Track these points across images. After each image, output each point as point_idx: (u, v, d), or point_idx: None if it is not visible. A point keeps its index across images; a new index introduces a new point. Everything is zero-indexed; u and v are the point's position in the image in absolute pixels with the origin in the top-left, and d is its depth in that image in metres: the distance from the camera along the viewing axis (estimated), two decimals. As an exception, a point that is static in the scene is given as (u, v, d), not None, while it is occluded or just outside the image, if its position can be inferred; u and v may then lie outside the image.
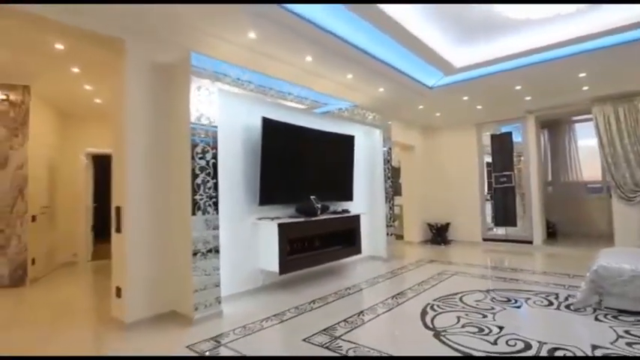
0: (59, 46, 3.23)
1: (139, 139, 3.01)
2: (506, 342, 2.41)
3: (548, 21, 3.56)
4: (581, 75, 4.53)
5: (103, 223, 6.40)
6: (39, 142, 4.53)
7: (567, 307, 3.07)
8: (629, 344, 2.32)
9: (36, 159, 4.45)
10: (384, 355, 2.31)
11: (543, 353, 2.23)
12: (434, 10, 3.29)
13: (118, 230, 3.01)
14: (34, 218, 4.40)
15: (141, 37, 3.02)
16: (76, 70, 3.79)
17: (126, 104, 2.96)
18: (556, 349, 2.29)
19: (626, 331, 2.52)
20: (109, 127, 5.80)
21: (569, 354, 2.21)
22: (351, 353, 2.34)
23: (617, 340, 2.39)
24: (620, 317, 2.78)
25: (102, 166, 6.14)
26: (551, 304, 3.19)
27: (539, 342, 2.39)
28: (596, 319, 2.78)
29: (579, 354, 2.20)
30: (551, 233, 6.91)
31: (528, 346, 2.34)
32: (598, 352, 2.21)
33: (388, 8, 3.09)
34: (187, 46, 3.23)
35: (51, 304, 3.65)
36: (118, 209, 3.02)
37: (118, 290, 2.97)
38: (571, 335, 2.54)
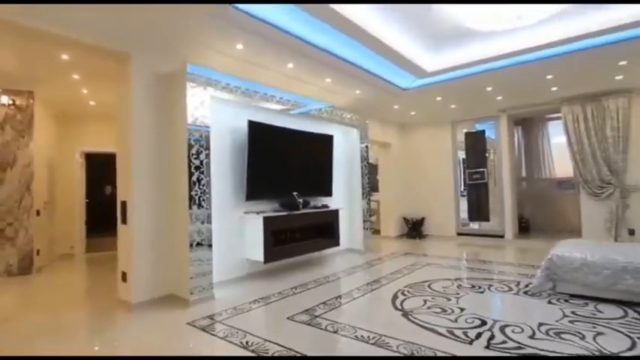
0: (64, 57, 3.49)
1: (142, 141, 3.33)
2: (465, 320, 2.68)
3: (512, 31, 3.82)
4: (549, 77, 4.83)
5: (95, 218, 6.57)
6: (40, 143, 4.85)
7: (525, 292, 3.37)
8: (571, 322, 2.62)
9: (38, 158, 4.77)
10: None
11: (496, 329, 2.50)
12: (404, 20, 3.53)
13: (124, 222, 3.32)
14: (38, 212, 4.73)
15: (144, 50, 3.37)
16: (76, 76, 4.05)
17: (131, 109, 3.29)
18: (507, 325, 2.56)
19: (573, 312, 2.82)
20: (112, 128, 6.15)
21: (517, 330, 2.48)
22: (329, 329, 2.61)
23: (562, 318, 2.69)
24: (570, 301, 3.08)
25: (93, 164, 6.32)
26: (511, 289, 3.49)
27: (493, 320, 2.67)
28: (549, 302, 3.08)
29: (527, 330, 2.48)
30: (524, 228, 7.29)
31: (484, 323, 2.62)
32: (543, 329, 2.49)
33: (361, 21, 3.32)
34: (185, 57, 3.57)
35: (61, 289, 4.06)
36: (123, 203, 3.33)
37: (124, 275, 3.31)
38: (523, 315, 2.82)
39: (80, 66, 3.78)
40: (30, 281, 4.31)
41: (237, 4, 2.77)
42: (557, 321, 2.63)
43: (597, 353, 2.13)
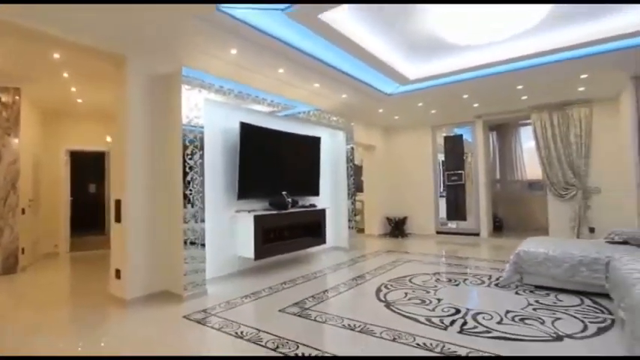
0: (56, 56, 3.50)
1: (137, 141, 3.41)
2: (442, 309, 2.95)
3: (486, 45, 4.15)
4: (519, 87, 5.24)
5: (80, 216, 6.55)
6: (26, 140, 4.81)
7: (496, 284, 3.69)
8: (534, 309, 2.94)
9: (23, 155, 4.73)
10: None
11: (468, 316, 2.78)
12: (388, 32, 3.78)
13: (118, 220, 3.39)
14: (23, 211, 4.69)
15: (140, 53, 3.45)
16: (66, 75, 4.06)
17: (126, 110, 3.37)
18: (478, 313, 2.85)
19: (536, 301, 3.15)
20: (99, 127, 6.10)
21: (487, 317, 2.77)
22: (319, 319, 2.81)
23: (527, 306, 3.00)
24: (535, 291, 3.42)
25: (78, 162, 6.31)
26: (483, 282, 3.81)
27: (467, 308, 2.96)
28: (517, 293, 3.40)
29: (495, 317, 2.77)
30: (498, 227, 7.75)
31: (458, 311, 2.89)
32: (509, 315, 2.79)
33: (349, 32, 3.56)
34: (181, 61, 3.67)
35: (51, 287, 4.08)
36: (118, 202, 3.40)
37: (118, 272, 3.40)
38: (493, 304, 3.12)
39: (71, 65, 3.81)
40: (16, 280, 4.30)
41: (221, 5, 2.84)
42: (522, 309, 2.94)
43: (554, 336, 2.44)
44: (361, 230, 7.80)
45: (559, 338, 2.39)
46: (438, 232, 7.53)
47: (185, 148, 3.41)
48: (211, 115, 3.93)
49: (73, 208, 6.17)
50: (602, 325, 2.59)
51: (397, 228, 7.53)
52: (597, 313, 2.83)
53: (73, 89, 4.64)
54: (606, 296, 3.04)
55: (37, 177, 5.44)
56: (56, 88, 4.60)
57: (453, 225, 7.55)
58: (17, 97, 4.55)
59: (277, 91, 4.77)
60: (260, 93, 4.43)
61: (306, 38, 3.54)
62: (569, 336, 2.42)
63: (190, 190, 3.44)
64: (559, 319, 2.72)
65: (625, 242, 3.56)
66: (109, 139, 6.17)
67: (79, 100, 5.14)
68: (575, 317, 2.75)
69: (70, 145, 5.99)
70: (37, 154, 5.42)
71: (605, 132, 5.61)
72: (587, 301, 3.10)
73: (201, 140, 3.57)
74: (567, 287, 3.36)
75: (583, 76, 4.72)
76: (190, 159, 3.45)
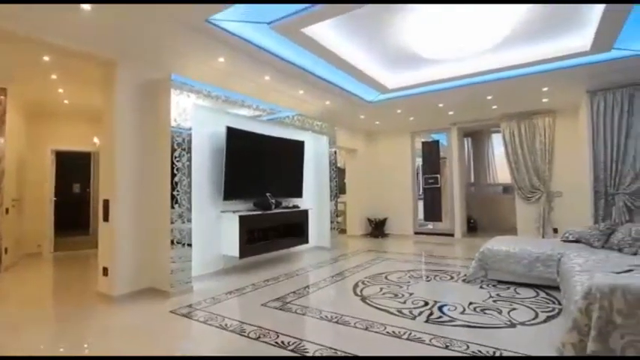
0: (46, 58, 3.57)
1: (126, 143, 3.55)
2: (412, 302, 3.23)
3: (459, 59, 4.49)
4: (489, 97, 5.63)
5: (64, 216, 6.52)
6: (11, 140, 4.81)
7: (463, 280, 4.01)
8: (494, 301, 3.25)
9: (8, 155, 4.73)
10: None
11: (435, 308, 3.06)
12: (368, 45, 4.04)
13: (106, 219, 3.50)
14: (7, 211, 4.68)
15: (130, 58, 3.58)
16: (54, 76, 4.11)
17: (116, 113, 3.50)
18: (444, 305, 3.14)
19: (497, 294, 3.47)
20: (85, 127, 6.13)
21: (452, 308, 3.06)
22: (299, 312, 3.03)
23: (488, 298, 3.32)
24: (497, 285, 3.74)
25: (63, 162, 6.30)
26: (452, 278, 4.12)
27: (434, 301, 3.25)
28: (481, 287, 3.72)
29: (459, 308, 3.06)
30: (472, 227, 8.18)
31: (427, 304, 3.17)
32: (471, 307, 3.09)
33: (331, 45, 3.80)
34: (170, 67, 3.83)
35: (37, 286, 4.15)
36: (106, 201, 3.51)
37: (105, 270, 3.51)
38: (458, 297, 3.42)
39: (61, 67, 3.87)
40: (0, 280, 4.30)
41: (210, 17, 2.98)
42: (483, 301, 3.25)
43: (508, 323, 2.74)
44: (343, 231, 8.07)
45: (512, 325, 2.70)
46: (416, 233, 7.88)
47: (173, 150, 3.56)
48: (199, 118, 4.08)
49: (58, 208, 6.14)
50: (551, 313, 2.92)
51: (377, 229, 7.84)
52: (549, 303, 3.17)
53: (61, 90, 4.68)
54: (558, 289, 3.39)
55: (22, 177, 5.43)
56: (43, 89, 4.63)
57: (430, 226, 7.93)
58: (3, 97, 4.55)
59: (263, 97, 4.97)
60: (246, 98, 4.63)
61: (291, 49, 3.76)
62: (521, 323, 2.73)
63: (178, 191, 3.59)
64: (515, 309, 3.03)
65: (577, 241, 3.95)
66: (96, 140, 6.19)
67: (66, 101, 5.17)
68: (529, 307, 3.08)
69: (56, 145, 5.99)
70: (22, 153, 5.41)
71: (566, 140, 6.09)
72: (542, 294, 3.44)
73: (189, 143, 3.72)
74: (525, 281, 3.70)
75: (545, 89, 5.15)
76: (178, 161, 3.60)
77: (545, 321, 2.78)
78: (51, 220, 5.94)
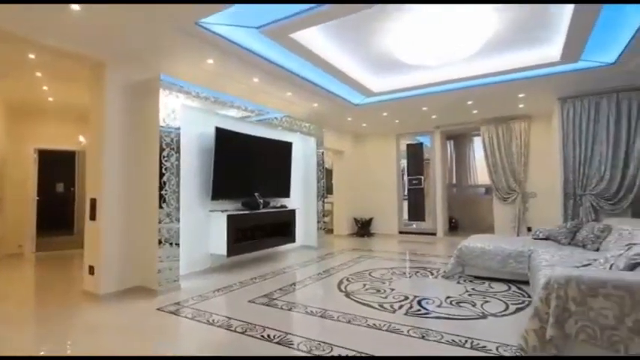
0: (31, 56, 3.56)
1: (114, 142, 3.59)
2: (393, 297, 3.41)
3: (441, 65, 4.70)
4: (469, 102, 5.89)
5: (46, 216, 6.40)
6: None
7: (442, 276, 4.22)
8: (469, 295, 3.46)
9: None
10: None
11: (414, 302, 3.24)
12: (354, 50, 4.20)
13: (93, 218, 3.53)
14: None
15: (119, 59, 3.61)
16: (39, 74, 4.09)
17: (104, 112, 3.54)
18: (423, 299, 3.33)
19: (472, 288, 3.68)
20: (70, 126, 6.05)
21: (430, 302, 3.25)
22: (284, 308, 3.15)
23: (464, 293, 3.53)
24: (473, 281, 3.97)
25: (46, 161, 6.20)
26: (432, 274, 4.33)
27: (414, 295, 3.43)
28: (458, 282, 3.94)
29: (436, 301, 3.25)
30: (453, 227, 8.48)
31: (407, 298, 3.35)
32: (448, 300, 3.29)
33: (319, 49, 3.94)
34: (159, 68, 3.86)
35: (21, 285, 4.18)
36: (93, 200, 3.54)
37: (91, 268, 3.54)
38: (436, 291, 3.63)
39: (46, 65, 3.86)
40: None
41: (200, 20, 3.05)
42: (459, 295, 3.46)
43: (480, 314, 2.94)
44: (330, 230, 8.23)
45: (484, 316, 2.90)
46: (400, 232, 8.11)
47: (162, 150, 3.61)
48: (188, 119, 4.14)
49: (40, 207, 6.07)
50: (521, 305, 3.15)
51: (363, 228, 8.03)
52: (519, 297, 3.40)
53: (45, 88, 4.64)
54: (529, 283, 3.63)
55: (3, 175, 5.36)
56: (27, 86, 4.58)
57: (414, 225, 8.18)
58: (-15, 94, 4.52)
59: (252, 98, 5.07)
60: (235, 99, 4.71)
61: (280, 52, 3.86)
62: (493, 314, 2.94)
63: (166, 190, 3.65)
64: (488, 302, 3.25)
65: (547, 238, 4.22)
66: (81, 139, 6.13)
67: (50, 99, 5.12)
68: (501, 300, 3.30)
69: (39, 143, 5.91)
70: (4, 152, 5.35)
71: (540, 144, 6.43)
72: (514, 288, 3.68)
73: (178, 143, 3.78)
74: (499, 277, 3.94)
75: (521, 95, 5.44)
76: (167, 161, 3.66)
77: (514, 312, 2.99)
78: (33, 220, 5.88)
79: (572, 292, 1.98)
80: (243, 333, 2.59)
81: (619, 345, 1.84)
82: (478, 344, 2.36)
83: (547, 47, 4.11)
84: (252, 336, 2.53)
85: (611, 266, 2.28)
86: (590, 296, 1.93)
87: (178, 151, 3.78)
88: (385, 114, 6.58)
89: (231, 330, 2.65)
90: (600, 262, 2.48)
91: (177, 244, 3.74)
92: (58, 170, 7.67)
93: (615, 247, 2.75)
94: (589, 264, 2.66)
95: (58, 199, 7.73)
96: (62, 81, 4.39)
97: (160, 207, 3.58)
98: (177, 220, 3.75)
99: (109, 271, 3.49)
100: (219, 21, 3.17)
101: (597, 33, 3.54)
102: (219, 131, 4.45)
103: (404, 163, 8.36)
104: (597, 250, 3.54)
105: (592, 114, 4.67)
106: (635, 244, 2.39)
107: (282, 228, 5.52)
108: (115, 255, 3.56)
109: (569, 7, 3.13)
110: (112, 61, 3.57)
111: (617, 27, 3.53)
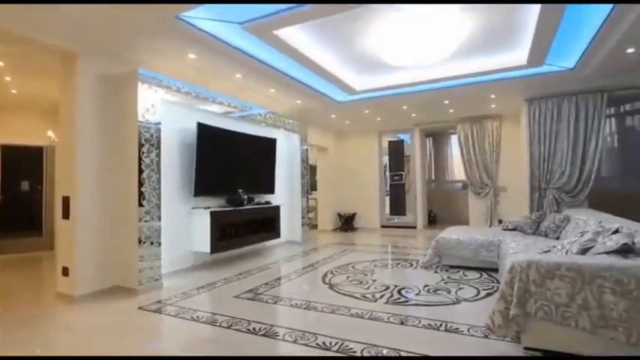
0: None
1: (88, 137, 3.43)
2: (375, 287, 3.60)
3: (419, 67, 4.92)
4: (446, 102, 6.18)
5: (10, 217, 6.10)
6: None
7: (421, 266, 4.47)
8: (445, 283, 3.71)
9: None
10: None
11: (395, 291, 3.45)
12: (337, 49, 4.34)
13: (66, 217, 3.37)
14: None
15: (94, 51, 3.43)
16: (0, 64, 3.84)
17: (76, 106, 3.36)
18: (402, 288, 3.55)
19: (448, 277, 3.94)
20: (36, 120, 5.69)
21: (409, 290, 3.47)
22: (270, 301, 3.25)
23: (440, 281, 3.77)
24: (449, 270, 4.23)
25: (9, 157, 5.86)
26: (412, 265, 4.57)
27: (395, 285, 3.64)
28: (435, 271, 4.19)
29: (415, 290, 3.48)
30: (432, 220, 8.84)
31: (388, 288, 3.56)
32: (426, 288, 3.51)
33: (302, 47, 4.02)
34: (138, 61, 3.74)
35: None
36: (66, 198, 3.39)
37: (65, 269, 3.38)
38: (415, 280, 3.85)
39: (9, 54, 3.61)
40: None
41: (181, 14, 2.96)
42: (436, 283, 3.70)
43: (455, 300, 3.18)
44: (315, 226, 8.39)
45: (458, 302, 3.14)
46: (382, 226, 8.39)
47: (141, 146, 3.49)
48: (168, 114, 4.01)
49: (4, 207, 5.72)
50: (490, 291, 3.41)
51: (347, 223, 8.24)
52: (490, 283, 3.68)
53: (8, 78, 4.33)
54: (498, 270, 3.93)
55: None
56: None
57: (396, 219, 8.48)
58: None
59: (235, 94, 5.06)
60: (218, 95, 4.69)
61: (263, 48, 3.88)
62: (465, 300, 3.19)
63: (146, 187, 3.54)
64: (462, 288, 3.50)
65: (514, 229, 4.55)
66: (50, 133, 5.88)
67: (14, 91, 4.77)
68: (473, 287, 3.56)
69: (1, 139, 5.49)
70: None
71: (510, 142, 6.82)
72: (485, 275, 3.96)
73: (158, 139, 3.67)
74: (472, 265, 4.22)
75: (492, 96, 5.77)
76: (146, 157, 3.55)
77: (485, 297, 3.26)
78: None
79: (533, 275, 2.22)
80: (228, 327, 2.61)
81: (570, 320, 2.09)
82: (452, 327, 2.58)
83: (516, 51, 4.41)
84: (238, 330, 2.56)
85: (567, 251, 2.55)
86: (548, 278, 2.18)
87: (159, 147, 3.67)
88: (367, 112, 6.77)
89: (216, 325, 2.67)
90: (558, 248, 2.75)
91: (159, 243, 3.65)
92: (22, 167, 7.25)
93: (572, 235, 3.05)
94: (549, 250, 2.94)
95: (24, 198, 7.34)
96: (28, 71, 4.08)
97: (140, 205, 3.46)
98: (159, 218, 3.66)
99: (84, 271, 3.33)
100: (200, 15, 3.11)
101: (559, 41, 3.85)
102: (201, 127, 4.44)
103: (386, 159, 8.62)
104: (558, 238, 3.88)
105: (555, 114, 5.03)
106: (586, 231, 2.68)
107: (267, 224, 5.61)
108: (91, 255, 3.40)
109: (536, 12, 3.35)
110: (85, 52, 3.36)
111: (575, 36, 3.86)
